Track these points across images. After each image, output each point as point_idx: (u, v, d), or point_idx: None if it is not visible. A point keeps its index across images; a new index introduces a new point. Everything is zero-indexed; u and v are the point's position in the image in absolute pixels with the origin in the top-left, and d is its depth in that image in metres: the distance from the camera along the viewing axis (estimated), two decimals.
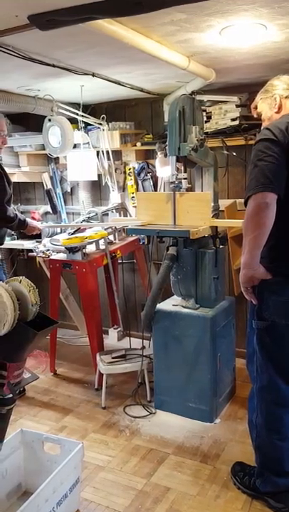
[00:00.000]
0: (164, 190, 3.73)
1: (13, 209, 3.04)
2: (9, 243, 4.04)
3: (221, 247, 2.95)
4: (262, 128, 2.13)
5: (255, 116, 2.29)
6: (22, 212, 3.32)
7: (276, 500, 2.16)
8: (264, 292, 2.02)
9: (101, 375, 3.18)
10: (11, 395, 1.61)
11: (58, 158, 4.01)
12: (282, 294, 2.00)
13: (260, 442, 2.18)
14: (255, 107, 2.24)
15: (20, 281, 1.57)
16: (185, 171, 2.89)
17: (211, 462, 2.51)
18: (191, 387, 2.89)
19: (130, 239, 3.81)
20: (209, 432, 2.78)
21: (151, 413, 3.00)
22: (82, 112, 3.51)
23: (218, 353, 2.85)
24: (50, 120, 3.30)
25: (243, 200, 3.48)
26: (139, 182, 3.91)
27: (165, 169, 3.43)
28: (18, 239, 4.11)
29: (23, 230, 3.29)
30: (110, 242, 3.64)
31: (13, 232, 4.05)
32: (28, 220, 3.28)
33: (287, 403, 2.11)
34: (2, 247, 3.36)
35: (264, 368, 2.10)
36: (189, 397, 2.91)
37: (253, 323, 2.08)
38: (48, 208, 4.29)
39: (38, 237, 3.86)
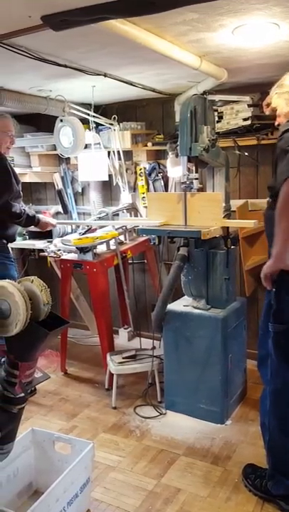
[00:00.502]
0: (175, 191, 3.72)
1: (21, 206, 3.06)
2: (20, 243, 4.06)
3: (232, 247, 2.93)
4: (276, 124, 2.11)
5: (267, 113, 2.27)
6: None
7: (288, 503, 2.14)
8: (282, 292, 1.99)
9: (111, 375, 3.18)
10: (22, 394, 1.61)
11: (69, 158, 4.03)
12: None
13: (273, 445, 2.16)
14: (268, 104, 2.21)
15: (32, 280, 1.57)
16: (196, 171, 2.87)
17: (222, 464, 2.50)
18: (201, 388, 2.88)
19: (141, 239, 3.81)
20: (220, 434, 2.77)
21: (161, 414, 3.00)
22: (94, 112, 3.51)
23: (229, 354, 2.84)
24: (61, 120, 3.31)
25: (254, 201, 3.49)
26: (150, 182, 3.91)
27: (176, 169, 3.42)
28: (29, 239, 4.13)
29: (36, 227, 3.31)
30: (121, 243, 3.64)
31: (24, 232, 4.07)
32: (40, 216, 3.28)
33: None
34: (13, 246, 3.38)
35: (279, 370, 2.08)
36: (200, 398, 2.90)
37: (269, 326, 2.06)
38: (59, 208, 4.30)
39: (49, 237, 3.87)
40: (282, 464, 2.14)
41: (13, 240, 3.16)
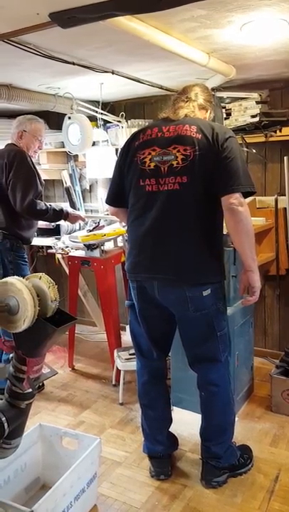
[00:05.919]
0: None
1: (44, 203, 3.08)
2: None
3: None
4: None
5: None
6: None
7: None
8: None
9: (119, 371, 3.19)
10: (30, 390, 1.63)
11: (77, 155, 4.04)
12: None
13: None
14: None
15: (40, 277, 1.58)
16: None
17: None
18: None
19: None
20: None
21: None
22: (102, 109, 3.52)
23: (236, 352, 2.83)
24: (69, 118, 3.32)
25: (262, 198, 3.47)
26: None
27: None
28: (37, 236, 4.15)
29: (66, 221, 3.33)
30: None
31: None
32: (69, 209, 3.31)
33: None
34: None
35: None
36: None
37: None
38: (67, 205, 4.32)
39: (57, 234, 3.89)
40: None
41: (28, 242, 3.19)
